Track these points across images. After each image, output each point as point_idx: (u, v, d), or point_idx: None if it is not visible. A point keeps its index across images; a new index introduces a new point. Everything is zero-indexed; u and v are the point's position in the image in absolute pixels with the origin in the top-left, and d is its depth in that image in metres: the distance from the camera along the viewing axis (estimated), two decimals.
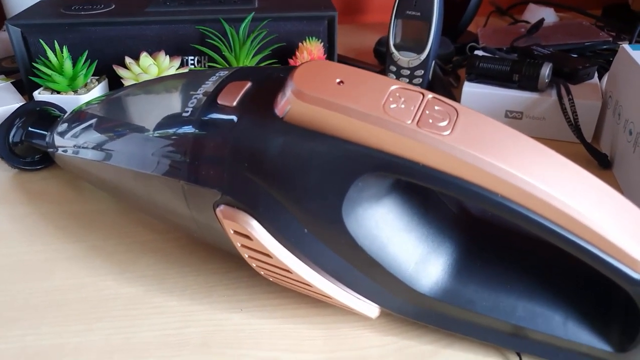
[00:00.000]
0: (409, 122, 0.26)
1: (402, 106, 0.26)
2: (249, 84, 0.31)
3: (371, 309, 0.31)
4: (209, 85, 0.33)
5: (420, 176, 0.26)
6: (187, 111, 0.32)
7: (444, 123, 0.26)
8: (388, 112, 0.26)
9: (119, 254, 0.40)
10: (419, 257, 0.30)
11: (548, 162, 0.26)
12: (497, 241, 0.32)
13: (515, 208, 0.25)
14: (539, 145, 0.26)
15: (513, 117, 0.54)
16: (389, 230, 0.29)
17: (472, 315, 0.29)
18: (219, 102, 0.31)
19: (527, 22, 0.81)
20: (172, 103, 0.34)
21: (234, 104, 0.30)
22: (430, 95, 0.27)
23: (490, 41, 0.71)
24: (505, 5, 0.93)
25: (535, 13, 0.85)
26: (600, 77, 0.57)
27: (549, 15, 0.83)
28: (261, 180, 0.28)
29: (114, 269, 0.38)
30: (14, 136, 0.48)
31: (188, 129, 0.31)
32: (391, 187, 0.29)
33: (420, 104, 0.26)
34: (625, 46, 0.49)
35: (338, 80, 0.27)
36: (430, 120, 0.26)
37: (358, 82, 0.27)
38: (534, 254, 0.31)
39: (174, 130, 0.32)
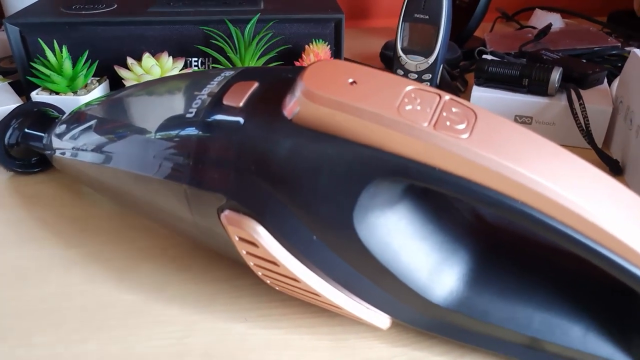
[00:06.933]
0: (425, 124, 0.24)
1: (418, 108, 0.25)
2: (256, 85, 0.30)
3: (382, 320, 0.30)
4: (214, 86, 0.32)
5: (437, 181, 0.24)
6: (191, 112, 0.31)
7: (462, 126, 0.24)
8: (403, 114, 0.25)
9: (117, 260, 0.39)
10: (432, 265, 0.28)
11: (570, 166, 0.24)
12: (513, 249, 0.30)
13: (536, 215, 0.24)
14: (560, 149, 0.25)
15: (522, 122, 0.53)
16: (402, 238, 0.28)
17: (487, 326, 0.28)
18: (224, 102, 0.30)
19: (533, 27, 0.81)
20: (175, 104, 0.33)
21: (241, 104, 0.29)
22: (447, 96, 0.26)
23: (498, 46, 0.70)
24: (511, 11, 0.92)
25: (541, 19, 0.84)
26: (609, 83, 0.56)
27: (555, 21, 0.82)
28: (268, 185, 0.27)
29: (112, 276, 0.37)
30: (10, 138, 0.47)
31: (192, 131, 0.30)
32: (404, 192, 0.28)
33: (437, 106, 0.25)
34: (637, 51, 0.48)
35: (350, 80, 0.26)
36: (448, 123, 0.25)
37: (372, 83, 0.26)
38: (552, 262, 0.29)
39: (176, 131, 0.31)
